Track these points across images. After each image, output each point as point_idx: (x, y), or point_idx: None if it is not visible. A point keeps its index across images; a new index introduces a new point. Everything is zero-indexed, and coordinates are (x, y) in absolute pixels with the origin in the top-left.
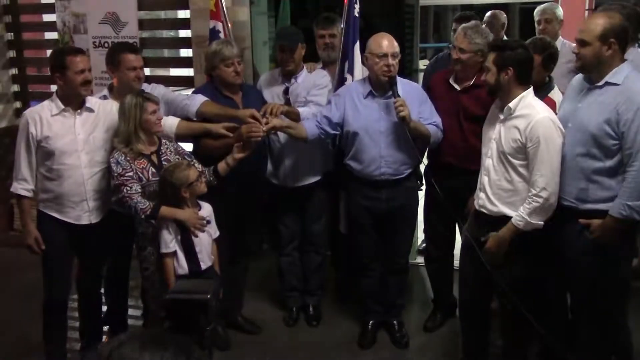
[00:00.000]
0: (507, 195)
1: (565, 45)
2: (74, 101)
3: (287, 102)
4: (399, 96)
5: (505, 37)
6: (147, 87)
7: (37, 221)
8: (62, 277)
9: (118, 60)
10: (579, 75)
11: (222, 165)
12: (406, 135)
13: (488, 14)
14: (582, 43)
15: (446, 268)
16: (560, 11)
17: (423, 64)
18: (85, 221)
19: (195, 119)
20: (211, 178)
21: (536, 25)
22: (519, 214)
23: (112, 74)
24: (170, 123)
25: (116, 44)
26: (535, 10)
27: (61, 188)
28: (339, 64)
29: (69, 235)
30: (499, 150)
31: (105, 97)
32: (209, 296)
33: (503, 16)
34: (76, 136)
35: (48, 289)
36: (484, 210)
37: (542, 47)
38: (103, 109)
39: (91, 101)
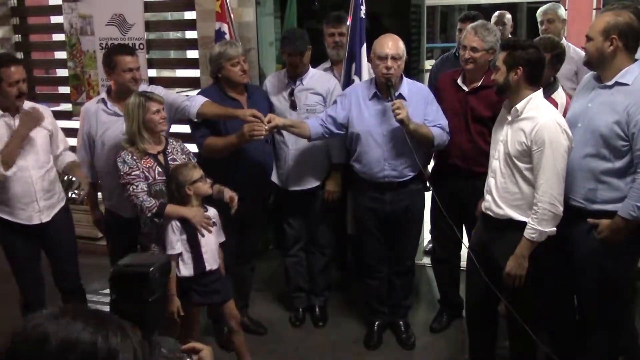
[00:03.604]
0: (513, 198)
1: (569, 48)
2: (12, 107)
3: (293, 104)
4: (396, 98)
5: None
6: (146, 89)
7: None
8: (30, 278)
9: (114, 63)
10: (590, 74)
11: (216, 187)
12: (405, 138)
13: (496, 13)
14: (587, 38)
15: (453, 269)
16: (562, 11)
17: (430, 64)
18: (36, 221)
19: (196, 120)
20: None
21: (539, 25)
22: (530, 226)
23: (108, 77)
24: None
25: (112, 47)
26: (538, 11)
27: (11, 190)
28: (345, 66)
29: (24, 236)
30: (506, 152)
31: (103, 100)
32: (151, 269)
33: (508, 16)
34: None
35: (22, 293)
36: (490, 213)
37: (550, 46)
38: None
39: (28, 105)
